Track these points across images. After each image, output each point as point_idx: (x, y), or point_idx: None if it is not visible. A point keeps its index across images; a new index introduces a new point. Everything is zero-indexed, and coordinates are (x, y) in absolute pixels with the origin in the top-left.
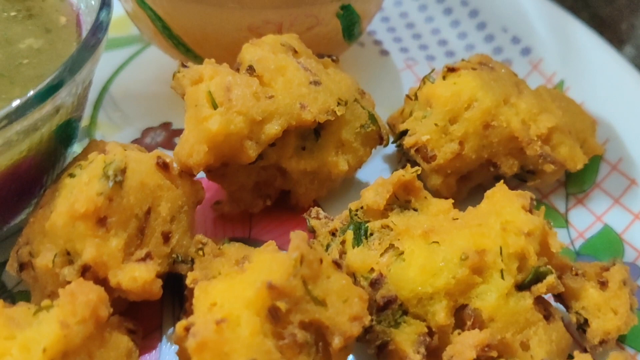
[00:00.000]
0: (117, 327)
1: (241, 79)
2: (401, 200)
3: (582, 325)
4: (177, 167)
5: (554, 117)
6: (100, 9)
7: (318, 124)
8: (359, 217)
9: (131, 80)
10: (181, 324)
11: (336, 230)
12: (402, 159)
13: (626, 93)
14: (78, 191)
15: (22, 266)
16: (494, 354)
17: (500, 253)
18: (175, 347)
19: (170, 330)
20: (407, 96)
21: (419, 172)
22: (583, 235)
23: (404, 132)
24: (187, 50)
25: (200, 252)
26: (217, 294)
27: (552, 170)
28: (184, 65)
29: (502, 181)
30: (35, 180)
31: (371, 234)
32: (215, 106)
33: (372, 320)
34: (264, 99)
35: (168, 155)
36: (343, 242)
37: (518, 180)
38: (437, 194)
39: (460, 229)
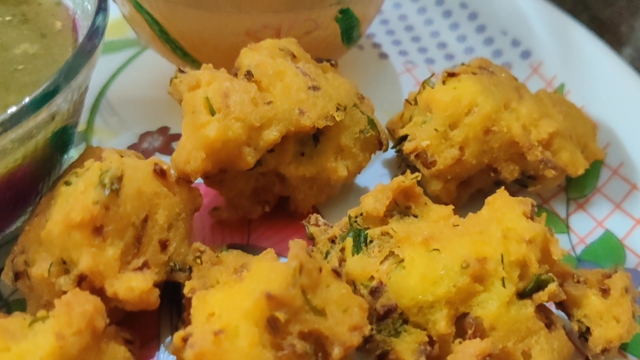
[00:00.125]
0: (114, 338)
1: (239, 85)
2: (401, 206)
3: (584, 334)
4: (174, 173)
5: (554, 122)
6: (97, 13)
7: (317, 129)
8: (358, 224)
9: (128, 85)
10: (179, 335)
11: (335, 238)
12: (402, 164)
13: (627, 96)
14: (74, 200)
15: (17, 275)
16: None
17: (502, 261)
18: (173, 358)
19: (168, 339)
20: (407, 101)
21: (419, 178)
22: (584, 240)
23: (404, 138)
24: (184, 55)
25: (198, 261)
26: (215, 304)
27: (553, 175)
28: (181, 71)
29: (502, 187)
30: (31, 187)
31: (371, 241)
32: (212, 112)
33: (372, 329)
34: (262, 105)
35: (165, 162)
36: (342, 250)
37: (519, 186)
38: (437, 199)
39: (461, 237)
